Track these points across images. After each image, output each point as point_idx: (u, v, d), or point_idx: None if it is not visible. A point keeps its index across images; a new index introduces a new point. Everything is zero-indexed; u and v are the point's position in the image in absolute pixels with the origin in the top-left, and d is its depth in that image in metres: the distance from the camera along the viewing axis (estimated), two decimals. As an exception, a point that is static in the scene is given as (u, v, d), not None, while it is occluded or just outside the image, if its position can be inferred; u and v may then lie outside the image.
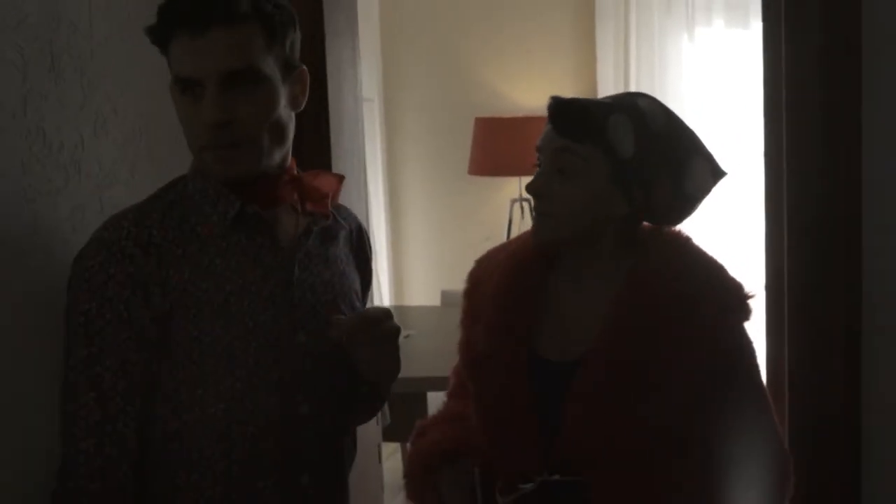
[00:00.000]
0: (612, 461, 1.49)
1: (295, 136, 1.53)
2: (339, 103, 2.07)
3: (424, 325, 4.27)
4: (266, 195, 1.52)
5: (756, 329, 1.64)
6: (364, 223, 2.16)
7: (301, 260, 1.55)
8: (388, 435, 3.48)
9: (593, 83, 5.16)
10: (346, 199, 2.08)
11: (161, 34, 1.42)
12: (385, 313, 1.56)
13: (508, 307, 1.62)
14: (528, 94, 5.29)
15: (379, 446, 2.18)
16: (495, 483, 1.59)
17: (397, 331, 1.58)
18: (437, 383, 3.55)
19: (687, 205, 1.60)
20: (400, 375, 3.52)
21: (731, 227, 4.64)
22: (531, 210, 5.12)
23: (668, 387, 1.49)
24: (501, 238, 5.20)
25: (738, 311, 1.55)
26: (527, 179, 5.99)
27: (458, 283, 5.81)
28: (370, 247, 1.81)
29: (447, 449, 1.66)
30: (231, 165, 1.46)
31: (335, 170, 2.05)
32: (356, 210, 2.14)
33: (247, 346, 1.47)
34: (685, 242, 1.62)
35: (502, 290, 1.63)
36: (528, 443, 1.55)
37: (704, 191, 1.60)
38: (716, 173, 1.60)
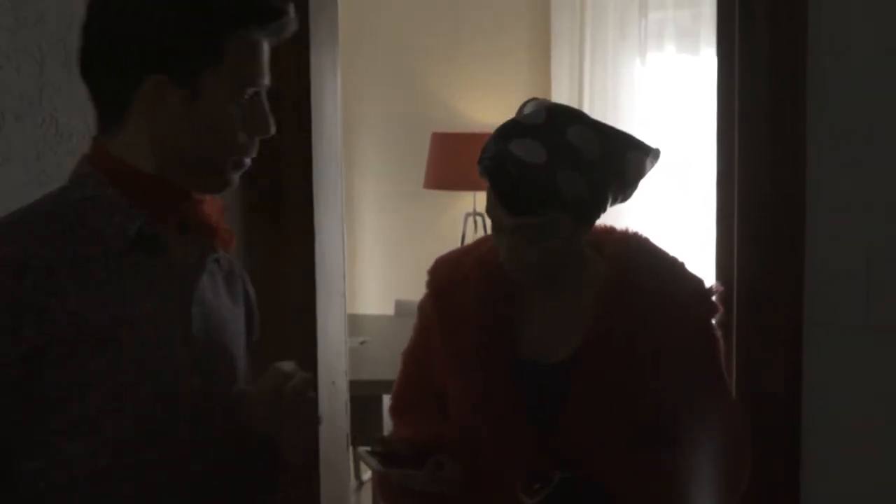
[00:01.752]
0: (613, 452, 1.59)
1: (276, 139, 1.48)
2: (320, 110, 2.17)
3: (379, 333, 4.36)
4: (176, 212, 1.32)
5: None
6: (341, 228, 2.24)
7: (197, 291, 1.32)
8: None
9: (548, 103, 5.31)
10: (325, 203, 2.18)
11: (226, 29, 1.24)
12: (294, 368, 1.35)
13: (493, 312, 1.68)
14: (485, 110, 5.43)
15: (348, 436, 2.28)
16: (482, 480, 1.64)
17: (309, 387, 1.36)
18: (391, 387, 3.65)
19: (630, 190, 1.70)
20: (357, 378, 3.65)
21: (683, 238, 4.85)
22: (484, 226, 5.25)
23: (654, 379, 1.62)
24: (455, 251, 5.31)
25: (705, 306, 1.70)
26: (481, 194, 6.13)
27: (412, 294, 5.92)
28: (251, 288, 1.53)
29: (420, 448, 1.66)
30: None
31: (316, 174, 2.14)
32: (334, 214, 2.25)
33: (137, 389, 1.24)
34: (644, 241, 1.77)
35: (484, 295, 1.69)
36: (527, 443, 1.62)
37: (644, 173, 1.70)
38: (652, 156, 1.69)
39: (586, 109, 5.14)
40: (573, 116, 1.64)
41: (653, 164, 1.69)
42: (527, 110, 1.68)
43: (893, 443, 1.90)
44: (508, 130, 1.62)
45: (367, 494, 4.21)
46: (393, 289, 5.50)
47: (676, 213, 5.03)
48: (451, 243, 5.39)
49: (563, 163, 1.55)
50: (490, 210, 1.62)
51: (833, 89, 1.85)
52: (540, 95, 5.31)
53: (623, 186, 1.67)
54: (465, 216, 5.31)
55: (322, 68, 2.17)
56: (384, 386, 3.61)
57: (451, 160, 5.05)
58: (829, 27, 1.84)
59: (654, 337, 1.64)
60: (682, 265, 1.75)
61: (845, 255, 1.89)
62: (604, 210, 1.67)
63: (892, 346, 1.88)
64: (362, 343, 4.06)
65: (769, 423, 1.91)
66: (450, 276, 1.78)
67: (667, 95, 5.00)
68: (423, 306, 1.82)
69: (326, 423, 2.16)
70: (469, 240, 5.29)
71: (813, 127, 1.85)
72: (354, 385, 3.56)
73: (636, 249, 1.74)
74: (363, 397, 3.59)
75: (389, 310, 4.95)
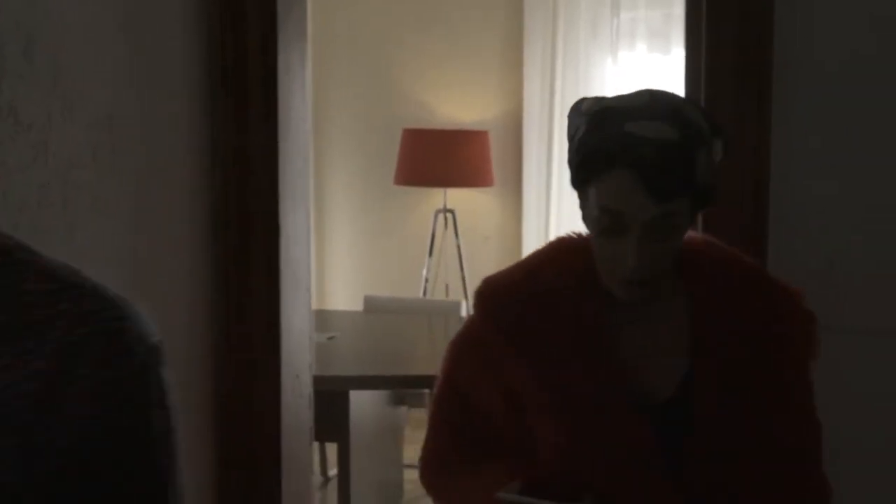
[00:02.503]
0: (741, 487, 1.46)
1: (242, 134, 1.41)
2: (288, 102, 2.17)
3: (347, 328, 4.36)
4: None
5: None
6: (308, 221, 2.22)
7: None
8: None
9: (520, 101, 5.33)
10: (291, 198, 2.18)
11: None
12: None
13: (598, 340, 1.47)
14: (457, 108, 5.43)
15: (311, 429, 2.27)
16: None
17: None
18: (359, 382, 3.66)
19: (719, 185, 1.47)
20: (325, 374, 3.64)
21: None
22: (454, 223, 5.25)
23: (767, 407, 1.48)
24: (424, 247, 5.32)
25: (807, 347, 1.52)
26: (452, 191, 6.15)
27: (382, 289, 5.94)
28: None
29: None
30: None
31: (282, 167, 2.13)
32: (301, 207, 2.24)
33: None
34: (720, 249, 1.55)
35: (584, 320, 1.47)
36: (656, 487, 1.44)
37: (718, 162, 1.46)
38: (725, 144, 1.45)
39: (557, 108, 5.16)
40: (677, 96, 1.44)
41: (724, 156, 1.46)
42: (588, 106, 1.43)
43: (851, 442, 1.92)
44: (613, 114, 1.38)
45: (332, 492, 4.20)
46: (362, 285, 5.50)
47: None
48: (421, 240, 5.39)
49: (693, 140, 1.36)
50: (612, 204, 1.36)
51: (799, 90, 1.86)
52: (512, 93, 5.39)
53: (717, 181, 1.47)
54: (435, 213, 5.31)
55: (290, 62, 2.16)
56: (351, 381, 3.63)
57: (422, 156, 5.06)
58: (796, 29, 1.86)
59: (757, 366, 1.47)
60: (769, 276, 1.56)
61: (808, 256, 1.90)
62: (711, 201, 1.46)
63: (853, 349, 1.90)
64: (330, 339, 4.06)
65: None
66: (510, 303, 1.52)
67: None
68: (479, 336, 1.54)
69: (289, 416, 2.16)
70: (439, 237, 5.29)
71: (778, 127, 1.86)
72: (322, 380, 3.56)
73: (718, 265, 1.52)
74: (330, 393, 3.59)
75: (358, 306, 4.94)
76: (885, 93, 1.88)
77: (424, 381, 3.72)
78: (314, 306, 5.48)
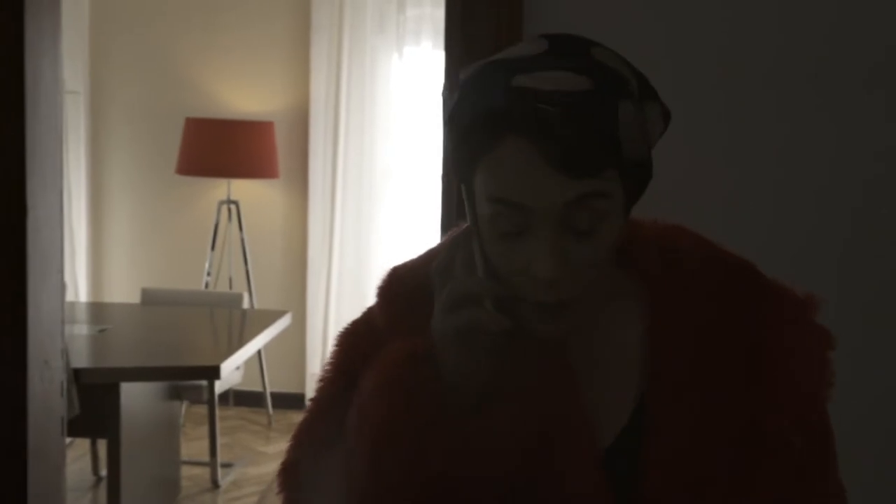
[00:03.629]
0: None
1: None
2: (36, 75, 2.07)
3: (122, 321, 4.22)
4: None
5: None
6: (60, 203, 2.14)
7: None
8: (78, 429, 3.43)
9: (306, 93, 5.31)
10: (40, 176, 2.08)
11: None
12: None
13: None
14: (241, 98, 5.35)
15: (63, 419, 2.18)
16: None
17: None
18: (131, 374, 3.55)
19: (649, 164, 1.03)
20: (97, 366, 3.50)
21: (412, 234, 4.95)
22: (238, 215, 5.17)
23: (733, 427, 1.05)
24: (207, 239, 5.21)
25: (818, 378, 1.07)
26: (237, 182, 6.12)
27: (162, 282, 5.83)
28: None
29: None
30: None
31: (30, 148, 2.04)
32: (52, 190, 2.14)
33: None
34: (695, 239, 1.13)
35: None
36: None
37: (656, 137, 1.03)
38: (665, 114, 1.03)
39: (343, 101, 5.18)
40: (584, 38, 1.01)
41: (663, 130, 1.04)
42: (467, 70, 1.02)
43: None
44: (496, 69, 0.97)
45: (102, 492, 4.06)
46: (141, 277, 5.33)
47: (433, 207, 5.13)
48: (204, 232, 5.28)
49: (613, 89, 0.95)
50: (505, 192, 0.95)
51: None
52: (298, 86, 5.37)
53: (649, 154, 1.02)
54: (218, 204, 5.21)
55: (41, 40, 2.07)
56: (123, 373, 3.51)
57: (205, 146, 4.96)
58: (544, 28, 1.93)
59: (727, 378, 1.06)
60: (758, 275, 1.11)
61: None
62: (645, 187, 1.03)
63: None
64: (102, 331, 3.92)
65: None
66: (415, 280, 1.13)
67: (422, 89, 5.11)
68: (373, 322, 1.18)
69: (36, 404, 2.07)
70: (223, 229, 5.20)
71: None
72: (93, 373, 3.44)
73: (687, 254, 1.10)
74: (102, 385, 3.47)
75: (136, 298, 4.79)
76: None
77: (202, 371, 3.65)
78: (88, 298, 5.29)
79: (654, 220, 1.14)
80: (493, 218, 0.97)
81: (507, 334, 1.00)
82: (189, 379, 4.06)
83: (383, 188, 5.24)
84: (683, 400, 1.05)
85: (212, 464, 4.46)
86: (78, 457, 4.66)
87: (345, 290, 5.30)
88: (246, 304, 4.72)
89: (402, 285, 1.17)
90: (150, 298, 4.62)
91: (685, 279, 1.09)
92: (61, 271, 2.19)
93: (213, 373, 3.58)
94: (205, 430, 4.99)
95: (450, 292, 1.01)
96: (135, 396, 3.69)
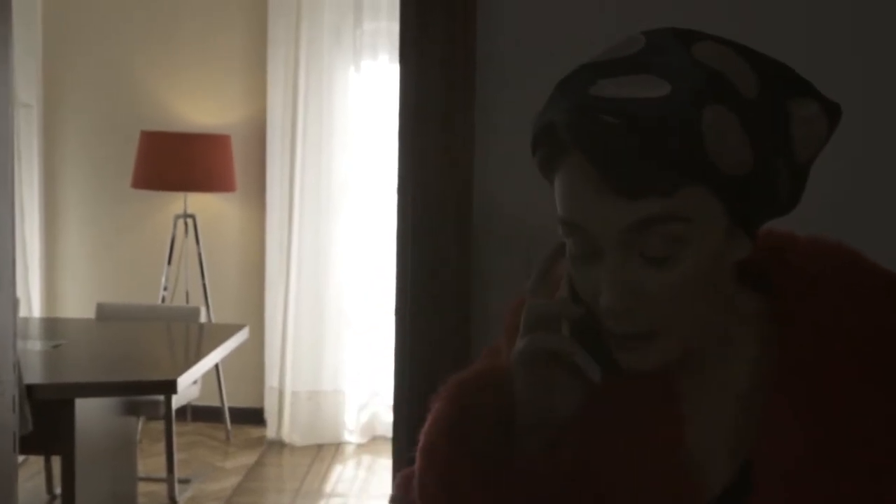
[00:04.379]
0: None
1: None
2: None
3: (76, 336, 4.18)
4: None
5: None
6: (12, 214, 2.12)
7: None
8: (32, 446, 3.38)
9: (263, 106, 5.29)
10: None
11: None
12: None
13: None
14: (198, 111, 5.33)
15: (14, 435, 2.16)
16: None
17: None
18: (85, 389, 3.51)
19: (803, 175, 0.89)
20: (50, 382, 3.46)
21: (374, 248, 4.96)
22: (195, 229, 5.15)
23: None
24: (164, 253, 5.18)
25: None
26: (193, 196, 6.10)
27: (118, 297, 5.77)
28: None
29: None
30: None
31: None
32: (4, 200, 2.13)
33: None
34: (861, 266, 0.93)
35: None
36: None
37: (821, 142, 0.89)
38: (830, 110, 0.89)
39: (300, 115, 5.17)
40: (692, 32, 0.88)
41: (828, 127, 0.89)
42: (596, 56, 0.90)
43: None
44: (584, 73, 0.87)
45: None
46: (97, 292, 5.28)
47: (391, 221, 5.13)
48: (160, 246, 5.24)
49: (698, 93, 0.82)
50: (567, 214, 0.86)
51: (500, 101, 1.96)
52: (255, 99, 5.36)
53: (791, 165, 0.88)
54: (174, 218, 5.18)
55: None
56: (78, 389, 3.47)
57: (161, 160, 4.92)
58: (498, 40, 1.95)
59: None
60: None
61: (509, 256, 1.99)
62: (772, 200, 0.88)
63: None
64: (56, 346, 3.87)
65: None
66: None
67: (380, 103, 5.12)
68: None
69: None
70: (179, 243, 5.17)
71: (482, 136, 1.95)
72: (46, 389, 3.40)
73: (846, 287, 0.91)
74: (56, 401, 3.43)
75: (91, 313, 4.74)
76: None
77: (158, 386, 3.62)
78: (42, 314, 5.23)
79: (813, 237, 0.95)
80: (566, 239, 0.88)
81: (588, 364, 0.88)
82: (145, 394, 4.02)
83: (341, 201, 5.23)
84: (790, 485, 0.87)
85: (169, 480, 4.42)
86: (32, 475, 4.59)
87: (303, 304, 5.28)
88: (203, 319, 4.69)
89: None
90: (106, 313, 4.58)
91: (826, 318, 0.89)
92: (13, 285, 2.17)
93: (170, 387, 3.55)
94: (162, 445, 4.93)
95: (527, 311, 0.91)
96: (90, 412, 3.65)
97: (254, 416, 5.40)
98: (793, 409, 0.88)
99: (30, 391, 3.29)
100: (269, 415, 5.36)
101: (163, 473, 4.56)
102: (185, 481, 4.63)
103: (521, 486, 0.92)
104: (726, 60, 0.85)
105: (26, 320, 4.41)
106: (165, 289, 5.11)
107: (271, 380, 5.36)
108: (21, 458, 3.12)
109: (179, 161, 4.91)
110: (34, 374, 3.47)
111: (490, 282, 2.02)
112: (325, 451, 5.24)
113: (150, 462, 4.85)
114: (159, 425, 5.17)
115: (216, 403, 5.31)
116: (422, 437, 0.97)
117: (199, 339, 4.33)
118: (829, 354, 0.88)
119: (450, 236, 2.00)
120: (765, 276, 0.93)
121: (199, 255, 5.16)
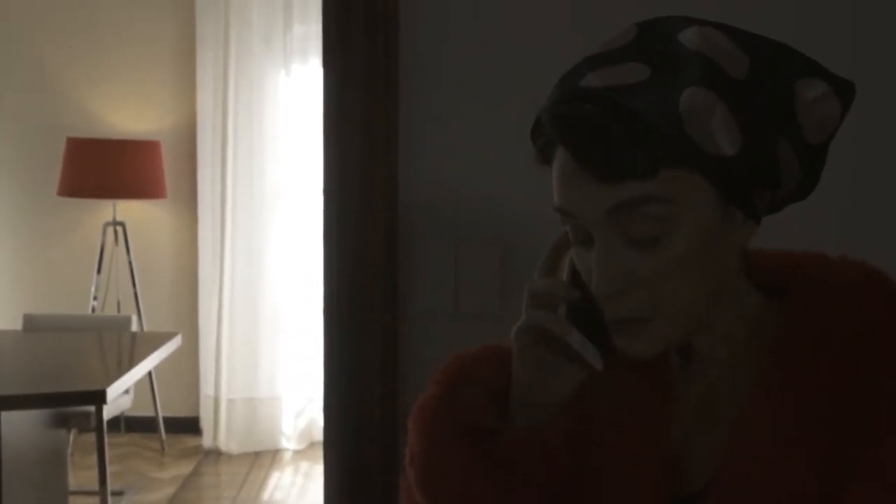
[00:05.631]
0: None
1: None
2: None
3: (1, 348, 4.09)
4: None
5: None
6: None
7: None
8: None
9: (193, 111, 5.23)
10: None
11: None
12: None
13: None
14: (126, 117, 5.25)
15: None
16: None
17: None
18: (11, 402, 3.43)
19: (818, 159, 0.90)
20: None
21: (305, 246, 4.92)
22: (125, 237, 5.06)
23: None
24: (93, 262, 5.09)
25: None
26: (123, 203, 6.02)
27: (44, 307, 5.66)
28: None
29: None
30: None
31: None
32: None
33: None
34: (869, 274, 0.91)
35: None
36: None
37: (833, 122, 0.89)
38: (841, 89, 0.89)
39: (230, 119, 5.12)
40: (685, 19, 0.89)
41: (842, 108, 0.89)
42: (594, 49, 0.93)
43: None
44: (579, 67, 0.88)
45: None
46: (23, 303, 5.17)
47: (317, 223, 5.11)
48: (89, 254, 5.15)
49: (678, 74, 0.83)
50: (559, 201, 0.88)
51: (424, 104, 1.96)
52: (184, 104, 5.29)
53: (799, 148, 0.88)
54: (103, 226, 5.09)
55: None
56: (2, 402, 3.39)
57: (88, 167, 4.84)
58: (421, 48, 1.95)
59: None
60: None
61: (435, 258, 1.99)
62: (774, 181, 0.87)
63: (477, 333, 2.00)
64: (-20, 359, 3.78)
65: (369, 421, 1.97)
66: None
67: (311, 107, 5.09)
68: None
69: None
70: (109, 252, 5.08)
71: (405, 139, 1.94)
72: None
73: (857, 300, 0.89)
74: (-23, 417, 3.35)
75: (17, 324, 4.64)
76: (500, 100, 2.00)
77: (87, 396, 3.55)
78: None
79: (843, 256, 0.94)
80: (564, 225, 0.90)
81: (585, 348, 0.88)
82: (73, 405, 3.94)
83: (273, 206, 5.19)
84: (744, 489, 0.86)
85: (101, 493, 4.33)
86: (-41, 492, 4.47)
87: (237, 310, 5.22)
88: (135, 328, 4.61)
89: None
90: (33, 324, 4.48)
91: (829, 326, 0.88)
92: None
93: (99, 397, 3.48)
94: (95, 458, 4.85)
95: (526, 289, 0.94)
96: (16, 426, 3.57)
97: (189, 425, 5.33)
98: (770, 412, 0.87)
99: (-48, 406, 3.21)
100: (205, 423, 5.29)
101: (95, 486, 4.48)
102: (118, 493, 4.55)
103: (508, 461, 0.93)
104: (712, 43, 0.86)
105: (-50, 333, 4.30)
106: (95, 298, 5.02)
107: (207, 388, 5.30)
108: (-55, 474, 3.04)
109: (107, 168, 4.83)
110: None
111: (416, 283, 2.02)
112: (263, 459, 5.19)
113: (82, 475, 4.76)
114: (92, 437, 5.08)
115: (151, 413, 5.23)
116: (415, 405, 0.99)
117: (130, 349, 4.26)
118: (822, 362, 0.86)
119: (374, 239, 1.99)
120: (784, 288, 0.93)
121: (130, 263, 5.08)
